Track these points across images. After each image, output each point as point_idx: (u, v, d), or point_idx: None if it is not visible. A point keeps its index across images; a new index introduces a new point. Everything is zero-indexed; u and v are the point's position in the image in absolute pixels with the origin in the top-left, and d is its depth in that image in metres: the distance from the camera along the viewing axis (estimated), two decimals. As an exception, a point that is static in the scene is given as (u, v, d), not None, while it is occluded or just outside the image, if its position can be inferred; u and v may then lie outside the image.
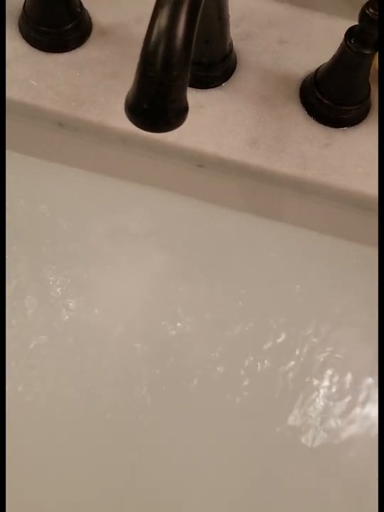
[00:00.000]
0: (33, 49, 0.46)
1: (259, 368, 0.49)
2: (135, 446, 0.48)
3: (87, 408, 0.48)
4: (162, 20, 0.27)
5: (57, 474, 0.47)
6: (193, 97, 0.44)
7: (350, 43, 0.40)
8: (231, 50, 0.45)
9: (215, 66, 0.44)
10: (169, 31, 0.27)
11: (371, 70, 0.42)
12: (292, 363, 0.49)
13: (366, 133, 0.45)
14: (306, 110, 0.45)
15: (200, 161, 0.45)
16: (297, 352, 0.49)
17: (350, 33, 0.40)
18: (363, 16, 0.38)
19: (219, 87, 0.45)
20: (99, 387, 0.49)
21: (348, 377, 0.49)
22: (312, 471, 0.47)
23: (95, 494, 0.47)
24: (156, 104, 0.29)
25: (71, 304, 0.50)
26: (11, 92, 0.45)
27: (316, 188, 0.44)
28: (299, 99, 0.45)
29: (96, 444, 0.48)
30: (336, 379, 0.49)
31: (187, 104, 0.31)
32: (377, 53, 0.41)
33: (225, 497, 0.47)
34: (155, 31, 0.28)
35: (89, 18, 0.47)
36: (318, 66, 0.44)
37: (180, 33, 0.28)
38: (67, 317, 0.50)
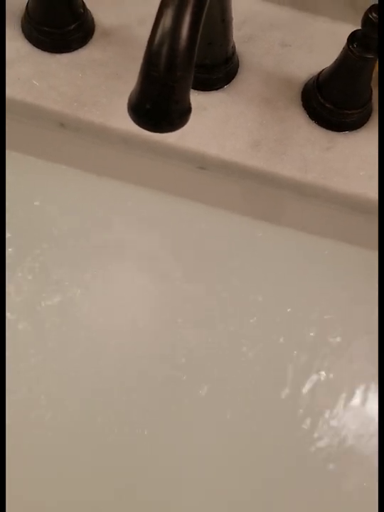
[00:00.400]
0: (36, 49, 0.46)
1: (259, 371, 0.49)
2: (136, 447, 0.48)
3: (88, 409, 0.48)
4: (166, 21, 0.27)
5: (57, 475, 0.47)
6: (195, 99, 0.44)
7: (353, 47, 0.40)
8: (233, 52, 0.45)
9: (218, 68, 0.44)
10: (173, 32, 0.27)
11: (373, 74, 0.42)
12: (292, 365, 0.49)
13: (368, 136, 0.45)
14: (308, 113, 0.45)
15: (201, 163, 0.45)
16: (298, 354, 0.49)
17: (352, 37, 0.40)
18: (365, 21, 0.38)
19: (221, 89, 0.45)
20: (100, 388, 0.48)
21: (349, 378, 0.49)
22: (319, 483, 0.47)
23: (95, 495, 0.47)
24: (159, 105, 0.29)
25: (70, 305, 0.50)
26: (13, 92, 0.45)
27: (317, 191, 0.44)
28: (301, 103, 0.45)
29: (96, 445, 0.48)
30: (337, 381, 0.49)
31: (190, 105, 0.31)
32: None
33: (226, 498, 0.47)
34: (159, 32, 0.28)
35: (92, 19, 0.47)
36: (321, 70, 0.44)
37: (184, 34, 0.27)
38: (67, 317, 0.50)
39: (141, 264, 0.52)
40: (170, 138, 0.44)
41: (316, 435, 0.48)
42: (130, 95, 0.30)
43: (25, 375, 0.48)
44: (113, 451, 0.47)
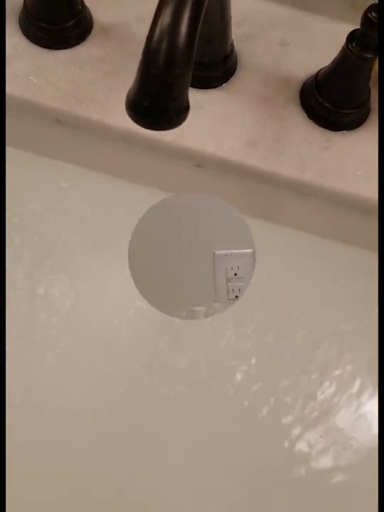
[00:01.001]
0: (33, 45, 0.46)
1: (257, 370, 0.49)
2: (136, 447, 0.48)
3: (88, 409, 0.48)
4: (165, 18, 0.27)
5: (57, 475, 0.47)
6: (194, 97, 0.44)
7: (352, 46, 0.40)
8: (232, 50, 0.45)
9: (216, 66, 0.44)
10: (172, 29, 0.27)
11: (372, 74, 0.42)
12: (291, 364, 0.49)
13: (366, 136, 0.45)
14: (306, 113, 0.45)
15: (199, 161, 0.45)
16: (296, 354, 0.49)
17: (351, 36, 0.40)
18: (365, 20, 0.38)
19: (219, 87, 0.45)
20: (101, 388, 0.48)
21: (349, 378, 0.49)
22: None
23: (95, 495, 0.47)
24: (157, 102, 0.29)
25: (70, 304, 0.50)
26: (10, 88, 0.44)
27: (315, 190, 0.44)
28: (300, 102, 0.45)
29: (96, 446, 0.48)
30: (336, 380, 0.49)
31: (188, 102, 0.30)
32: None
33: (226, 499, 0.47)
34: (158, 28, 0.28)
35: (91, 15, 0.47)
36: (319, 69, 0.44)
37: (183, 31, 0.27)
38: (66, 316, 0.50)
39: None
40: (168, 136, 0.44)
41: (316, 439, 0.48)
42: (128, 92, 0.30)
43: (25, 375, 0.48)
44: (113, 452, 0.47)
